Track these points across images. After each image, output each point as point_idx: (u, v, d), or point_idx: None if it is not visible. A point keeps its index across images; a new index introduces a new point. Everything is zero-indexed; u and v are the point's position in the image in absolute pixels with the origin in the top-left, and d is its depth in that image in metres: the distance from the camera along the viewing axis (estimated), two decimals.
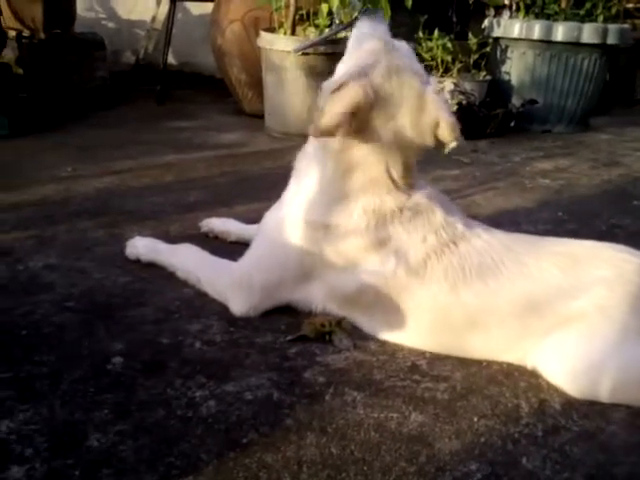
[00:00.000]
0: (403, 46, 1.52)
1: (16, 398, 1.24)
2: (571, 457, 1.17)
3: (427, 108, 1.43)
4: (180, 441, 1.15)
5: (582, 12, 4.00)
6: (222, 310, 1.59)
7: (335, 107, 1.36)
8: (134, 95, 4.38)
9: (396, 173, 1.47)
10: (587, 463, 1.15)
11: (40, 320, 1.52)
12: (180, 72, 5.04)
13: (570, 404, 1.31)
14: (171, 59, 4.85)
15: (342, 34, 3.26)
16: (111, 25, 5.12)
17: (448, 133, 1.43)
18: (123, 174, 2.69)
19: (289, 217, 1.53)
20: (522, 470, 1.13)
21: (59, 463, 1.08)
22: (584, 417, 1.28)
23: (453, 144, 1.45)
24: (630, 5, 4.95)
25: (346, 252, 1.47)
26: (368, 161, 1.45)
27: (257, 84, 3.66)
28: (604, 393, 1.30)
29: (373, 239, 1.44)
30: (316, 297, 1.55)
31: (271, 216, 1.61)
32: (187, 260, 1.72)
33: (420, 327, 1.46)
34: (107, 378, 1.32)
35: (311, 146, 1.54)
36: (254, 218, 1.85)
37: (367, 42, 1.48)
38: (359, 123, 1.39)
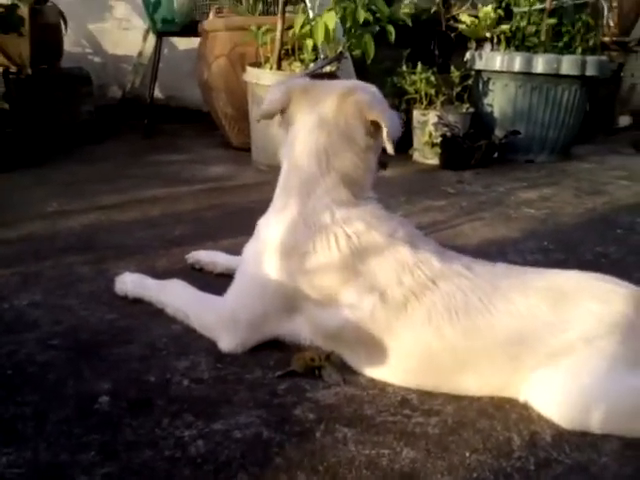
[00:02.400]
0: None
1: None
2: None
3: (349, 98, 1.51)
4: None
5: (561, 44, 4.09)
6: (210, 346, 1.58)
7: (269, 97, 1.61)
8: (121, 129, 4.40)
9: (351, 191, 1.51)
10: None
11: (24, 359, 1.50)
12: (167, 106, 5.07)
13: (561, 436, 1.30)
14: (158, 93, 4.88)
15: (327, 68, 3.32)
16: (97, 60, 5.17)
17: (368, 111, 1.49)
18: (110, 209, 2.69)
19: (264, 248, 1.54)
20: None
21: None
22: (576, 449, 1.27)
23: (384, 130, 1.47)
24: (606, 38, 5.08)
25: (320, 284, 1.47)
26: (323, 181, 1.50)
27: (243, 118, 3.69)
28: (595, 424, 1.30)
29: (345, 272, 1.45)
30: (302, 331, 1.54)
31: (249, 248, 1.62)
32: (175, 297, 1.71)
33: (405, 367, 1.44)
34: (93, 418, 1.30)
35: (283, 172, 1.58)
36: (241, 251, 1.85)
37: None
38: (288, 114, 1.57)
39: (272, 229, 1.54)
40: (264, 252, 1.53)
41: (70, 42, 4.70)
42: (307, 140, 1.52)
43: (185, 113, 5.01)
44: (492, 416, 1.37)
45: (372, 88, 1.61)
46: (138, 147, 3.95)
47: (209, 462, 1.18)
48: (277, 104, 1.58)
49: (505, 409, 1.39)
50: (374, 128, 1.50)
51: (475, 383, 1.41)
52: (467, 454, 1.24)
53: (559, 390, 1.32)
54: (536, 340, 1.35)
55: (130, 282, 1.82)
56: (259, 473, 1.16)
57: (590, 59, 3.95)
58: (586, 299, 1.37)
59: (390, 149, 1.49)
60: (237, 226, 2.44)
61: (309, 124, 1.52)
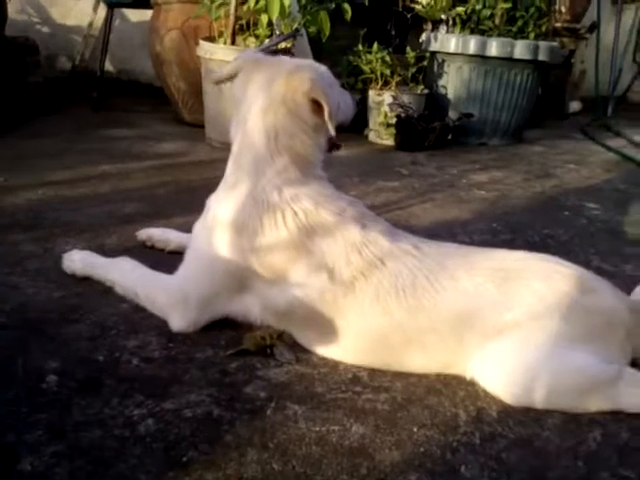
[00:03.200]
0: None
1: None
2: (507, 464, 1.20)
3: (296, 76, 1.50)
4: (118, 462, 1.12)
5: (514, 29, 4.15)
6: (161, 324, 1.56)
7: (226, 67, 1.65)
8: (70, 102, 4.27)
9: (300, 170, 1.51)
10: (522, 469, 1.19)
11: None
12: (117, 79, 4.94)
13: (506, 412, 1.35)
14: (108, 66, 4.75)
15: (283, 45, 3.28)
16: (45, 30, 4.97)
17: (310, 89, 1.47)
18: (58, 185, 2.61)
19: (214, 225, 1.53)
20: (461, 478, 1.15)
21: None
22: (519, 424, 1.31)
23: (326, 109, 1.46)
24: (558, 24, 5.18)
25: (269, 262, 1.47)
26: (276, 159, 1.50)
27: (197, 93, 3.63)
28: (538, 399, 1.34)
29: (293, 250, 1.45)
30: (253, 310, 1.54)
31: (199, 225, 1.61)
32: (125, 275, 1.68)
33: (355, 346, 1.46)
34: (41, 397, 1.27)
35: (234, 149, 1.57)
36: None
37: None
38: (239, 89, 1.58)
39: (222, 206, 1.53)
40: (214, 229, 1.52)
41: (14, 9, 4.51)
42: (257, 118, 1.51)
43: (137, 87, 4.89)
44: (440, 393, 1.40)
45: (322, 68, 1.60)
46: (88, 121, 3.84)
47: (159, 440, 1.18)
48: (228, 72, 1.60)
49: (452, 386, 1.42)
50: (319, 107, 1.49)
51: (423, 360, 1.44)
52: (415, 429, 1.27)
53: (504, 367, 1.36)
54: (481, 318, 1.38)
55: (79, 260, 1.78)
56: (209, 451, 1.16)
57: (542, 44, 4.02)
58: (531, 278, 1.41)
59: (331, 130, 1.49)
60: (190, 204, 2.40)
61: (259, 102, 1.52)
